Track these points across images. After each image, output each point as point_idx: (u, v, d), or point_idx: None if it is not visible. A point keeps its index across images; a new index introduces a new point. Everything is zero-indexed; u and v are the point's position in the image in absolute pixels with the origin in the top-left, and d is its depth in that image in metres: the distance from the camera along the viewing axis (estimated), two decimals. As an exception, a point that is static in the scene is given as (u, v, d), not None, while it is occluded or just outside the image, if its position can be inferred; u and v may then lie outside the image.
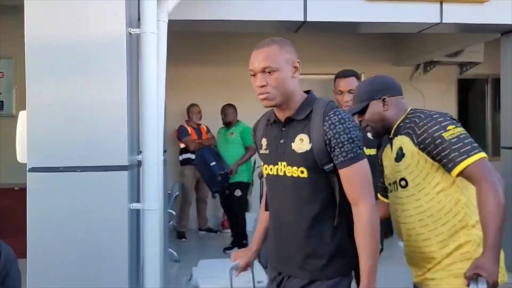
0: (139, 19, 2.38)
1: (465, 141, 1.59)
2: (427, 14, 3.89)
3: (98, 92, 2.10)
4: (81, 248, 2.07)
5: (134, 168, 2.34)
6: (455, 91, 6.94)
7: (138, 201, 2.35)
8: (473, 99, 7.21)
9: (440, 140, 1.59)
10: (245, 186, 5.24)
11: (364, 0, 3.82)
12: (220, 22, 3.88)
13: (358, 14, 3.85)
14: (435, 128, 1.61)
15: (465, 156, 1.55)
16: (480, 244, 1.57)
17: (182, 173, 5.79)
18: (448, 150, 1.58)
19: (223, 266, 4.43)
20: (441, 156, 1.60)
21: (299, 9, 3.79)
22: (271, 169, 1.62)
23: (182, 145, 5.76)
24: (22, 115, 2.12)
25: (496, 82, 5.08)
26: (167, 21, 2.55)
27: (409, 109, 1.78)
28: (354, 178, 1.49)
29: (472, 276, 1.47)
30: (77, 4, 2.09)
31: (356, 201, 1.49)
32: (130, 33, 2.21)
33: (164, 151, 3.83)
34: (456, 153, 1.56)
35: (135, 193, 2.36)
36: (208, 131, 5.92)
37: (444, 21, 3.89)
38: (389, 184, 1.81)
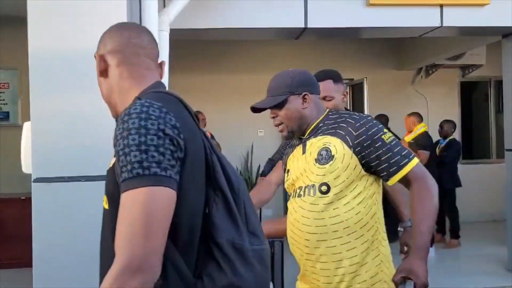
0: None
1: (400, 145, 1.53)
2: (427, 18, 3.91)
3: (101, 102, 2.12)
4: (87, 257, 2.08)
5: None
6: (457, 93, 6.93)
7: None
8: (476, 101, 7.20)
9: (380, 143, 1.49)
10: None
11: (364, 5, 3.85)
12: (222, 30, 3.92)
13: (359, 20, 3.87)
14: (374, 130, 1.51)
15: (407, 159, 1.49)
16: (383, 260, 1.54)
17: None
18: (390, 153, 1.48)
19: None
20: (380, 160, 1.49)
21: (299, 16, 3.81)
22: None
23: (186, 153, 5.78)
24: (27, 126, 2.15)
25: (499, 84, 5.08)
26: (169, 31, 2.58)
27: (327, 110, 1.66)
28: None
29: (400, 280, 1.42)
30: (80, 16, 2.12)
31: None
32: (132, 44, 2.24)
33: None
34: (399, 156, 1.48)
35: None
36: (212, 138, 5.95)
37: (444, 24, 3.91)
38: (298, 189, 1.59)
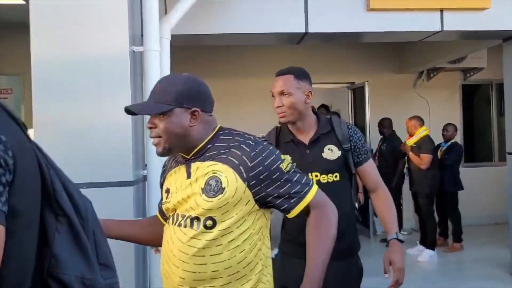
0: (142, 35, 2.43)
1: (298, 170, 1.40)
2: (428, 23, 3.92)
3: (103, 110, 2.15)
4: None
5: (140, 183, 2.37)
6: (459, 97, 6.94)
7: (144, 215, 2.39)
8: (478, 104, 7.20)
9: (278, 173, 1.33)
10: None
11: (364, 10, 3.86)
12: (223, 36, 3.94)
13: (359, 24, 3.88)
14: (271, 159, 1.33)
15: (308, 187, 1.37)
16: None
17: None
18: (289, 184, 1.34)
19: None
20: (279, 193, 1.33)
21: (300, 21, 3.83)
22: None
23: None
24: (29, 133, 2.17)
25: (501, 87, 5.07)
26: (170, 38, 2.60)
27: (218, 126, 1.43)
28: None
29: None
30: (82, 23, 2.14)
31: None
32: (134, 51, 2.26)
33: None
34: (299, 185, 1.35)
35: (141, 207, 2.39)
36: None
37: (445, 29, 3.92)
38: (180, 216, 1.37)
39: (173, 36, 3.72)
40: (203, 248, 1.30)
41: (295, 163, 1.41)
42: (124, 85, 2.15)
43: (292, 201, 1.34)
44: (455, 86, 6.93)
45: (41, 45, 2.14)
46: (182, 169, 1.39)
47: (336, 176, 1.88)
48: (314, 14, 3.83)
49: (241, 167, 1.30)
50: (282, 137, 1.98)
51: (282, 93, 1.87)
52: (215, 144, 1.37)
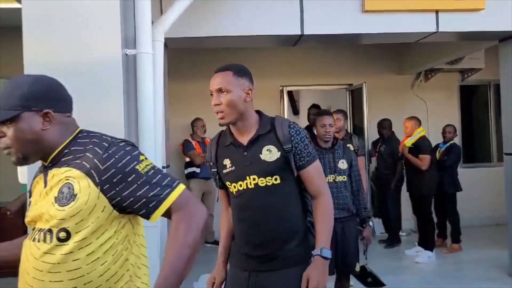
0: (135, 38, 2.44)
1: (161, 172, 1.27)
2: (423, 24, 3.93)
3: (95, 112, 2.16)
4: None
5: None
6: (457, 97, 6.94)
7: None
8: (476, 105, 7.20)
9: (134, 175, 1.21)
10: None
11: (360, 11, 3.87)
12: (219, 38, 3.96)
13: (355, 26, 3.89)
14: (125, 160, 1.21)
15: (169, 189, 1.23)
16: None
17: (188, 186, 5.84)
18: (147, 186, 1.21)
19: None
20: (135, 197, 1.21)
21: (296, 23, 3.84)
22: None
23: (188, 159, 5.82)
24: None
25: (498, 88, 5.07)
26: (163, 41, 2.61)
27: (78, 130, 1.31)
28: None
29: None
30: (74, 27, 2.15)
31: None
32: (127, 54, 2.27)
33: (167, 166, 3.90)
34: (158, 188, 1.22)
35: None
36: (212, 144, 5.97)
37: (440, 29, 3.93)
38: (37, 231, 1.25)
39: (170, 39, 3.76)
40: (58, 263, 1.18)
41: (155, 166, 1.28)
42: (117, 88, 2.16)
43: (150, 205, 1.21)
44: (453, 87, 6.93)
45: (34, 49, 2.15)
46: (41, 178, 1.28)
47: (276, 179, 1.73)
48: (309, 16, 3.84)
49: (92, 171, 1.19)
50: (222, 140, 1.85)
51: (220, 91, 1.74)
52: (72, 148, 1.25)
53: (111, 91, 2.14)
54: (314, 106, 6.39)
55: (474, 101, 7.20)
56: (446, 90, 6.89)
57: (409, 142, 5.28)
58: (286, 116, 6.74)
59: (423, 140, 5.22)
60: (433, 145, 5.45)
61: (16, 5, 3.70)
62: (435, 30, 3.92)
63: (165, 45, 3.86)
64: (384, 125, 5.84)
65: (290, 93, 9.45)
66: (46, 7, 2.14)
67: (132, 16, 2.38)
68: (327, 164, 3.12)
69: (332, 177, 3.11)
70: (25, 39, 2.15)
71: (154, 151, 2.37)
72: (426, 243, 5.18)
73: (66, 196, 1.19)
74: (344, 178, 3.14)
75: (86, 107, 2.17)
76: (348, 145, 3.61)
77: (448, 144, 5.48)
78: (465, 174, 6.00)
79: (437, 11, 3.91)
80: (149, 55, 2.28)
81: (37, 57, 2.13)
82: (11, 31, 4.60)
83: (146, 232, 2.28)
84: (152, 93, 2.34)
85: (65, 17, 2.16)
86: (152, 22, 2.54)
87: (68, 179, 1.21)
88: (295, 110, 10.10)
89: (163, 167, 3.40)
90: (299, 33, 3.86)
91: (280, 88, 6.72)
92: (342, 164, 3.16)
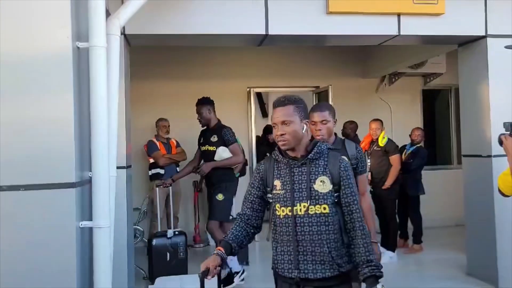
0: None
1: None
2: (385, 27, 3.97)
3: (44, 108, 2.05)
4: (28, 269, 1.99)
5: (85, 185, 2.27)
6: (420, 101, 7.09)
7: (90, 219, 2.29)
8: (438, 109, 7.38)
9: None
10: None
11: (324, 13, 3.88)
12: (183, 37, 3.88)
13: (319, 27, 3.90)
14: None
15: None
16: None
17: (151, 188, 5.70)
18: None
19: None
20: None
21: (260, 23, 3.81)
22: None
23: (152, 160, 5.68)
24: (-36, 133, 2.04)
25: (459, 92, 5.25)
26: (119, 35, 2.52)
27: None
28: None
29: None
30: (21, 17, 2.04)
31: None
32: (78, 47, 2.17)
33: (128, 167, 3.78)
34: None
35: (87, 211, 2.29)
36: (178, 145, 5.87)
37: (402, 33, 3.98)
38: None
39: (131, 36, 3.65)
40: None
41: None
42: (67, 82, 2.05)
43: None
44: (416, 91, 7.08)
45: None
46: None
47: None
48: (274, 16, 3.82)
49: None
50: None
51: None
52: None
53: (60, 85, 2.04)
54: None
55: (436, 104, 7.38)
56: (409, 94, 7.03)
57: (381, 141, 5.30)
58: (253, 118, 6.71)
59: (390, 142, 5.29)
60: (400, 147, 5.53)
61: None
62: (397, 33, 3.98)
63: (127, 42, 3.77)
64: (351, 127, 5.90)
65: (259, 95, 9.43)
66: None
67: (86, 7, 2.27)
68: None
69: None
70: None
71: (107, 151, 2.27)
72: (388, 243, 5.24)
73: None
74: None
75: (35, 100, 2.06)
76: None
77: (414, 147, 5.56)
78: (427, 176, 6.11)
79: (399, 14, 3.97)
80: (102, 48, 2.18)
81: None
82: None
83: (95, 233, 2.19)
84: (106, 90, 2.24)
85: (12, 7, 2.04)
86: (110, 15, 2.45)
87: None
88: (264, 113, 10.08)
89: (122, 167, 3.29)
90: (264, 32, 3.83)
91: (247, 89, 6.68)
92: None
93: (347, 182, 1.89)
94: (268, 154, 3.65)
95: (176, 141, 5.89)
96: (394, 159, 5.20)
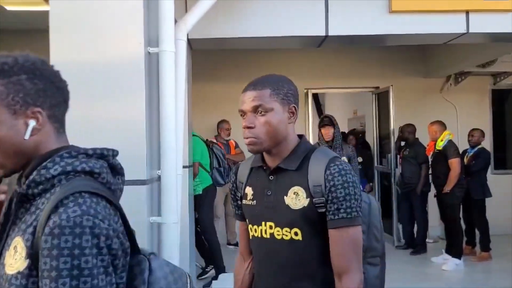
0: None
1: None
2: (452, 24, 3.82)
3: (118, 110, 2.18)
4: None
5: (154, 183, 2.40)
6: (489, 102, 6.73)
7: (159, 215, 2.41)
8: (509, 110, 6.96)
9: None
10: None
11: (386, 12, 3.81)
12: (243, 40, 3.96)
13: (381, 27, 3.83)
14: None
15: None
16: None
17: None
18: None
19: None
20: None
21: (320, 24, 3.81)
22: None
23: (210, 160, 5.84)
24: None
25: (533, 92, 4.94)
26: (186, 40, 2.63)
27: None
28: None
29: None
30: (98, 26, 2.19)
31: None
32: (149, 52, 2.29)
33: (190, 166, 3.92)
34: None
35: (156, 207, 2.41)
36: (236, 146, 5.99)
37: (471, 31, 3.81)
38: None
39: (194, 40, 3.79)
40: None
41: None
42: (139, 86, 2.18)
43: None
44: (485, 91, 6.72)
45: (60, 49, 2.20)
46: None
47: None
48: (334, 16, 3.80)
49: None
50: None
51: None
52: None
53: (133, 88, 2.17)
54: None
55: (507, 105, 6.96)
56: (477, 94, 6.70)
57: (439, 144, 5.13)
58: (310, 120, 6.69)
59: (449, 144, 5.08)
60: (462, 150, 5.30)
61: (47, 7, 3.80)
62: (465, 31, 3.81)
63: (189, 46, 3.92)
64: (409, 130, 5.74)
65: (315, 96, 9.39)
66: (72, 8, 2.19)
67: (156, 15, 2.40)
68: None
69: None
70: (52, 40, 2.20)
71: (175, 150, 2.38)
72: (454, 250, 5.03)
73: None
74: None
75: (110, 104, 2.20)
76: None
77: (476, 149, 5.31)
78: (496, 180, 5.81)
79: (467, 12, 3.80)
80: (171, 53, 2.30)
81: (63, 57, 2.17)
82: (40, 33, 4.77)
83: (164, 229, 2.31)
84: (174, 92, 2.35)
85: (91, 17, 2.21)
86: (177, 21, 2.57)
87: None
88: (320, 114, 10.01)
89: (185, 167, 3.43)
90: (324, 34, 3.82)
91: (305, 90, 6.67)
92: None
93: (336, 196, 1.26)
94: None
95: (235, 142, 6.01)
96: (453, 162, 4.97)
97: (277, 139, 1.34)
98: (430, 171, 5.48)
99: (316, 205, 1.29)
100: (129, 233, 0.98)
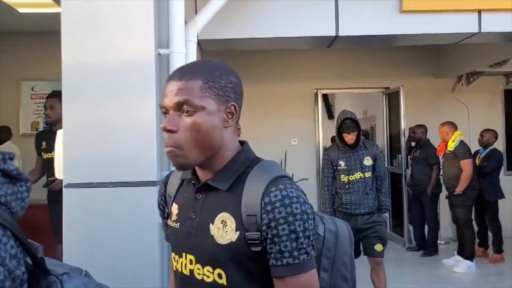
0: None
1: None
2: (464, 24, 3.78)
3: (128, 111, 2.19)
4: (114, 258, 2.15)
5: (164, 184, 2.41)
6: (501, 102, 6.65)
7: (168, 216, 2.42)
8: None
9: None
10: None
11: (397, 12, 3.78)
12: (253, 40, 3.96)
13: (391, 27, 3.80)
14: None
15: None
16: None
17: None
18: None
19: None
20: None
21: (330, 24, 3.80)
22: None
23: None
24: (60, 134, 2.25)
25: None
26: (196, 41, 2.64)
27: None
28: None
29: None
30: (109, 29, 2.21)
31: None
32: (160, 54, 2.30)
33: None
34: None
35: (166, 208, 2.43)
36: (246, 147, 6.00)
37: (483, 30, 3.77)
38: None
39: (203, 41, 3.80)
40: None
41: None
42: (150, 87, 2.19)
43: None
44: (497, 91, 6.65)
45: (71, 51, 2.22)
46: None
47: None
48: (344, 17, 3.78)
49: None
50: None
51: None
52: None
53: (144, 90, 2.17)
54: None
55: (520, 106, 6.87)
56: (489, 94, 6.62)
57: (450, 147, 5.08)
58: (320, 121, 6.66)
59: (460, 145, 5.02)
60: (474, 151, 5.24)
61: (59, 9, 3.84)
62: (478, 31, 3.77)
63: (199, 47, 3.93)
64: (420, 131, 5.69)
65: (325, 97, 9.36)
66: (83, 10, 2.21)
67: (166, 16, 2.41)
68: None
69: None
70: (64, 42, 2.22)
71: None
72: (466, 252, 4.97)
73: None
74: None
75: (121, 105, 2.22)
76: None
77: (488, 149, 5.25)
78: (509, 181, 5.73)
79: (479, 11, 3.76)
80: (181, 54, 2.31)
81: (74, 59, 2.19)
82: (53, 35, 4.82)
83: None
84: (184, 93, 2.37)
85: (101, 20, 2.22)
86: (187, 23, 2.58)
87: None
88: (330, 115, 9.98)
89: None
90: (334, 34, 3.81)
91: (315, 91, 6.65)
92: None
93: (278, 233, 0.92)
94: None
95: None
96: (464, 163, 4.91)
97: (208, 149, 0.99)
98: (441, 173, 5.43)
99: (249, 241, 0.95)
100: (31, 254, 0.80)
